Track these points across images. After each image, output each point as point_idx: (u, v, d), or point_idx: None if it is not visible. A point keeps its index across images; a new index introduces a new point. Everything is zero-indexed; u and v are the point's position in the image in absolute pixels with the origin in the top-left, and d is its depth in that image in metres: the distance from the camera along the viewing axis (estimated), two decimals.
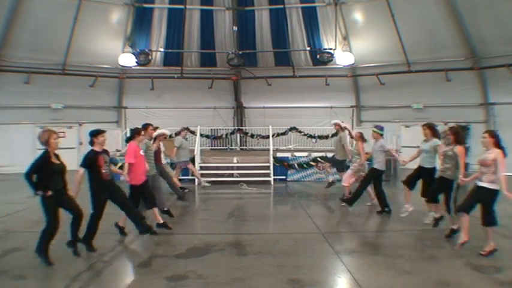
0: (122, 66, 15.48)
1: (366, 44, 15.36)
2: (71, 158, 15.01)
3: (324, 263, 4.89)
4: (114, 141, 13.78)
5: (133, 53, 14.61)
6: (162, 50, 15.75)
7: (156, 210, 6.23)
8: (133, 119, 16.46)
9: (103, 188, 5.28)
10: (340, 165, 9.14)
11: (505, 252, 5.08)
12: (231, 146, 16.08)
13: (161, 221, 6.19)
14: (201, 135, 12.94)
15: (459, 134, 5.78)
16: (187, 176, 11.89)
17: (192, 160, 11.79)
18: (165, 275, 4.38)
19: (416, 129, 15.15)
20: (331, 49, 14.77)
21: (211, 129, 16.05)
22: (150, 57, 14.80)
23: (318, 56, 14.97)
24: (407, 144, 15.02)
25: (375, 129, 7.65)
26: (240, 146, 16.30)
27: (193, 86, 16.27)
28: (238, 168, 11.96)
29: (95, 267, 4.57)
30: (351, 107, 16.81)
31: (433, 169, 6.51)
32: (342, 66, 15.91)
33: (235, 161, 12.17)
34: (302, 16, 15.50)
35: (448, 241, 5.60)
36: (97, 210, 5.33)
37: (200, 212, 8.25)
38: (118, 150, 13.50)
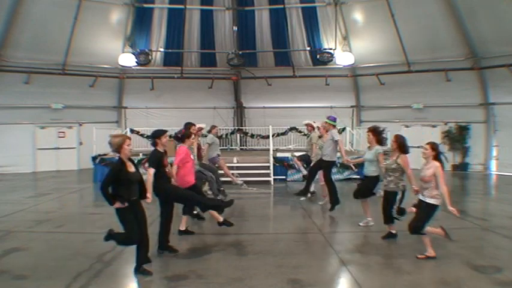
0: (122, 66, 15.49)
1: (366, 44, 15.36)
2: (71, 158, 15.16)
3: (324, 263, 4.89)
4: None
5: (133, 53, 14.63)
6: (162, 50, 15.75)
7: (213, 213, 5.91)
8: (133, 119, 16.50)
9: (166, 188, 5.14)
10: (309, 163, 8.98)
11: (505, 252, 5.08)
12: (231, 146, 16.09)
13: (221, 219, 5.89)
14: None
15: (403, 143, 5.45)
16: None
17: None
18: (165, 275, 4.38)
19: (416, 129, 15.23)
20: (331, 49, 14.78)
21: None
22: (150, 57, 14.81)
23: (318, 56, 14.98)
24: (407, 144, 15.03)
25: (327, 120, 7.44)
26: (240, 146, 16.30)
27: (193, 86, 16.27)
28: (238, 168, 11.95)
29: (95, 267, 4.57)
30: (351, 107, 16.81)
31: (377, 177, 6.14)
32: (342, 66, 15.92)
33: (235, 161, 12.16)
34: (302, 16, 15.50)
35: (447, 241, 5.59)
36: (167, 212, 5.26)
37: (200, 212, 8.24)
38: None
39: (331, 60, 14.81)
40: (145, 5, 14.97)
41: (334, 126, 7.44)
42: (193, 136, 6.22)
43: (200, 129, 7.62)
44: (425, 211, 4.73)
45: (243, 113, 17.17)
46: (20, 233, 6.11)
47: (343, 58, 15.31)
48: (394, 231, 5.69)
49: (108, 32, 15.01)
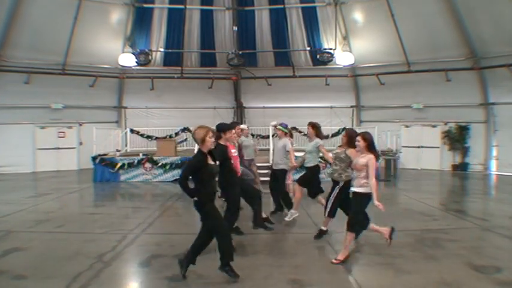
0: (122, 66, 15.49)
1: (366, 44, 15.36)
2: (71, 158, 15.16)
3: (324, 263, 4.88)
4: (114, 141, 13.82)
5: (133, 53, 14.63)
6: (162, 50, 15.75)
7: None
8: (133, 119, 16.50)
9: (235, 182, 5.30)
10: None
11: (505, 252, 5.08)
12: None
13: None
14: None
15: (352, 137, 5.42)
16: None
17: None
18: (165, 275, 4.38)
19: (417, 129, 15.24)
20: (331, 49, 14.78)
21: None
22: (150, 57, 14.82)
23: (318, 56, 14.98)
24: (408, 144, 15.06)
25: (279, 127, 7.33)
26: None
27: (193, 86, 16.27)
28: None
29: (95, 267, 4.57)
30: (351, 107, 16.81)
31: (315, 166, 6.51)
32: (342, 66, 15.92)
33: None
34: (302, 16, 15.50)
35: (448, 241, 5.59)
36: (234, 205, 5.39)
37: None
38: (118, 150, 13.51)
39: (331, 60, 14.81)
40: (145, 5, 14.97)
41: (286, 134, 7.30)
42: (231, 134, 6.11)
43: (241, 130, 7.59)
44: (357, 202, 4.74)
45: (243, 113, 17.16)
46: (20, 233, 6.11)
47: (343, 58, 15.31)
48: (324, 228, 5.77)
49: (108, 32, 15.01)
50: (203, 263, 4.74)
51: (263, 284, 4.18)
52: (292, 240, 5.69)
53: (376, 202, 4.49)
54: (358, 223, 4.80)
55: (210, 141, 4.13)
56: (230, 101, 17.20)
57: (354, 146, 5.19)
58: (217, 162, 4.37)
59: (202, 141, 4.11)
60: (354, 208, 4.79)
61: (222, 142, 5.19)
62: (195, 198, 4.09)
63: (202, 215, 4.22)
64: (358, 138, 4.78)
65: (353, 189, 4.79)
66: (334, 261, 4.72)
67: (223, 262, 4.19)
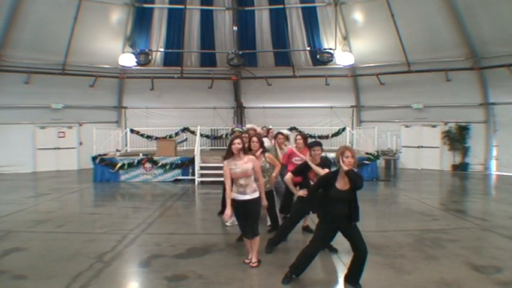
0: (122, 66, 15.50)
1: (366, 44, 15.37)
2: (71, 158, 15.16)
3: (324, 263, 4.88)
4: (114, 141, 13.81)
5: (133, 53, 14.63)
6: (162, 50, 15.75)
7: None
8: (133, 119, 16.51)
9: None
10: None
11: (505, 252, 5.08)
12: None
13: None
14: (201, 135, 12.94)
15: (262, 142, 5.54)
16: (187, 176, 11.91)
17: (192, 160, 11.81)
18: (165, 275, 4.38)
19: (416, 129, 15.24)
20: (331, 49, 14.77)
21: (211, 129, 16.06)
22: (150, 57, 14.81)
23: (318, 56, 14.96)
24: (407, 144, 15.07)
25: (236, 129, 7.40)
26: None
27: (193, 86, 16.27)
28: None
29: (95, 267, 4.57)
30: (351, 107, 16.81)
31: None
32: (342, 66, 15.92)
33: None
34: (302, 16, 15.50)
35: (448, 241, 5.59)
36: (293, 218, 5.31)
37: (200, 212, 8.26)
38: (118, 150, 13.51)
39: (331, 60, 14.80)
40: (145, 5, 14.96)
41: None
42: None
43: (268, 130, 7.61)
44: (256, 208, 4.55)
45: (243, 113, 17.16)
46: (20, 233, 6.11)
47: (343, 58, 15.32)
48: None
49: (108, 32, 15.01)
50: (203, 263, 4.75)
51: (263, 284, 4.18)
52: (292, 240, 5.68)
53: (264, 202, 4.52)
54: (256, 229, 4.59)
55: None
56: (230, 101, 17.20)
57: (266, 150, 5.44)
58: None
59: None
60: (255, 216, 4.52)
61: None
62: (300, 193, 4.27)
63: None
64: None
65: (247, 197, 4.42)
66: (248, 261, 4.64)
67: (292, 272, 4.15)
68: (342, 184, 3.88)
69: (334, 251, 5.11)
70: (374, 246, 5.37)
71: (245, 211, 4.47)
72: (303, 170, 5.03)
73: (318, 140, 5.94)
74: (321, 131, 15.67)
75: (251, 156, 4.54)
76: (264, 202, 4.60)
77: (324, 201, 3.96)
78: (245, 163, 4.40)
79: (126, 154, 13.48)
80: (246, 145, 4.97)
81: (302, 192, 4.92)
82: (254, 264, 4.59)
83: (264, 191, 4.55)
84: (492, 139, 13.94)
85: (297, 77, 15.99)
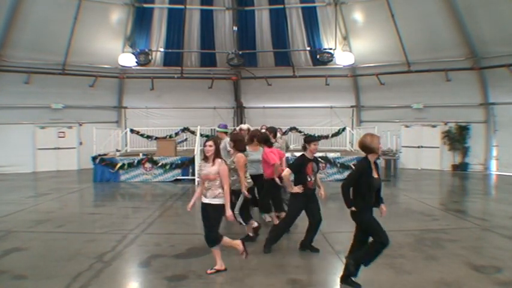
0: (122, 66, 15.50)
1: (366, 44, 15.36)
2: (71, 158, 15.16)
3: (324, 263, 4.89)
4: (114, 141, 13.82)
5: (133, 53, 14.63)
6: (162, 50, 15.75)
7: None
8: (133, 119, 16.51)
9: (303, 196, 5.01)
10: None
11: (505, 252, 5.08)
12: None
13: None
14: (201, 135, 12.93)
15: (239, 141, 5.45)
16: (188, 176, 11.90)
17: (192, 160, 11.80)
18: (165, 275, 4.38)
19: (417, 129, 15.24)
20: (331, 49, 14.77)
21: (211, 129, 16.05)
22: (150, 57, 14.82)
23: (318, 56, 14.97)
24: (407, 144, 15.06)
25: (217, 129, 7.22)
26: None
27: (193, 86, 16.26)
28: None
29: (95, 267, 4.57)
30: (351, 107, 16.81)
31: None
32: (342, 66, 15.91)
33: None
34: (302, 16, 15.50)
35: (448, 241, 5.59)
36: (290, 216, 5.23)
37: (200, 212, 8.24)
38: (118, 150, 13.51)
39: (331, 60, 14.80)
40: (145, 5, 14.96)
41: (226, 134, 7.03)
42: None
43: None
44: (213, 215, 4.34)
45: (243, 113, 17.17)
46: (20, 233, 6.11)
47: (343, 58, 15.31)
48: (250, 234, 5.64)
49: (108, 32, 15.01)
50: (203, 263, 4.74)
51: (263, 284, 4.17)
52: (292, 241, 5.68)
53: (228, 213, 4.33)
54: (216, 235, 4.39)
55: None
56: (230, 101, 17.20)
57: (243, 150, 5.43)
58: None
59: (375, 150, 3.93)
60: (213, 222, 4.34)
61: (308, 155, 5.06)
62: (353, 208, 3.93)
63: (367, 226, 4.01)
64: (211, 143, 4.37)
65: (206, 200, 4.36)
66: (208, 271, 4.40)
67: (355, 263, 4.00)
68: (375, 172, 3.96)
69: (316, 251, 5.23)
70: None
71: (206, 215, 4.39)
72: (300, 166, 5.03)
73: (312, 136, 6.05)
74: (321, 131, 15.66)
75: (220, 161, 4.37)
76: (228, 212, 4.34)
77: (362, 194, 3.91)
78: (210, 166, 4.33)
79: (126, 154, 13.48)
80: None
81: (298, 189, 4.96)
82: (209, 271, 4.39)
83: (228, 199, 4.35)
84: (492, 139, 13.93)
85: (297, 77, 15.99)
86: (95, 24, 14.33)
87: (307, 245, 5.22)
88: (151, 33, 15.53)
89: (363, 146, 3.95)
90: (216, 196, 4.33)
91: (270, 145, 6.18)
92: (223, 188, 4.33)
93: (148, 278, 4.36)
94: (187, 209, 4.54)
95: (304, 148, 5.12)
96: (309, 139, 5.18)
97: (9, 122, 13.95)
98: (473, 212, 7.78)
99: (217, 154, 4.39)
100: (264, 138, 6.18)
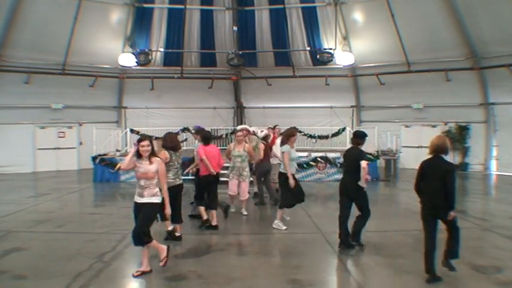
0: (122, 66, 15.49)
1: (366, 44, 15.36)
2: (71, 158, 15.16)
3: (324, 263, 4.89)
4: (114, 141, 13.81)
5: (133, 53, 14.62)
6: (162, 50, 15.75)
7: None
8: (133, 119, 16.50)
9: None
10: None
11: (505, 252, 5.08)
12: None
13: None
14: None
15: (206, 136, 5.80)
16: (187, 176, 11.88)
17: (192, 160, 11.77)
18: (165, 275, 4.38)
19: (417, 129, 15.23)
20: (331, 49, 14.76)
21: (211, 129, 16.04)
22: (150, 57, 14.80)
23: (318, 56, 14.95)
24: (407, 144, 15.05)
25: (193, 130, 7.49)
26: None
27: (193, 86, 16.26)
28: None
29: (95, 267, 4.57)
30: (351, 107, 16.80)
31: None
32: (342, 66, 15.90)
33: None
34: (302, 16, 15.49)
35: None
36: (368, 207, 5.43)
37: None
38: (118, 150, 13.50)
39: (331, 60, 14.78)
40: (145, 5, 14.96)
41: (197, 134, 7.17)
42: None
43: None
44: (150, 212, 4.28)
45: (243, 113, 17.17)
46: (20, 233, 6.11)
47: (343, 58, 15.29)
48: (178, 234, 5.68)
49: (108, 32, 15.01)
50: (203, 263, 4.75)
51: (263, 284, 4.17)
52: (292, 240, 5.69)
53: (168, 210, 4.40)
54: (146, 234, 4.27)
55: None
56: (230, 101, 17.20)
57: (207, 144, 6.11)
58: None
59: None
60: (145, 219, 4.26)
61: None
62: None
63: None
64: (147, 142, 4.30)
65: (144, 200, 4.28)
66: (136, 273, 4.33)
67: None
68: None
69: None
70: (374, 246, 5.38)
71: (141, 213, 4.30)
72: None
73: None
74: (321, 131, 15.64)
75: (158, 160, 4.37)
76: (167, 210, 4.40)
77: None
78: (149, 164, 4.28)
79: (126, 154, 13.42)
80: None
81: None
82: (135, 273, 4.34)
83: (167, 197, 4.39)
84: (492, 139, 13.94)
85: (297, 77, 15.98)
86: (95, 24, 14.33)
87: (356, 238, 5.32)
88: (151, 33, 15.53)
89: (445, 147, 4.57)
90: (154, 195, 4.31)
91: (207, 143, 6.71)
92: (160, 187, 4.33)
93: (149, 278, 4.35)
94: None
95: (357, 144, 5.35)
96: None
97: (9, 122, 13.95)
98: (473, 212, 7.78)
99: (153, 152, 4.35)
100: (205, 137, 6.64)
